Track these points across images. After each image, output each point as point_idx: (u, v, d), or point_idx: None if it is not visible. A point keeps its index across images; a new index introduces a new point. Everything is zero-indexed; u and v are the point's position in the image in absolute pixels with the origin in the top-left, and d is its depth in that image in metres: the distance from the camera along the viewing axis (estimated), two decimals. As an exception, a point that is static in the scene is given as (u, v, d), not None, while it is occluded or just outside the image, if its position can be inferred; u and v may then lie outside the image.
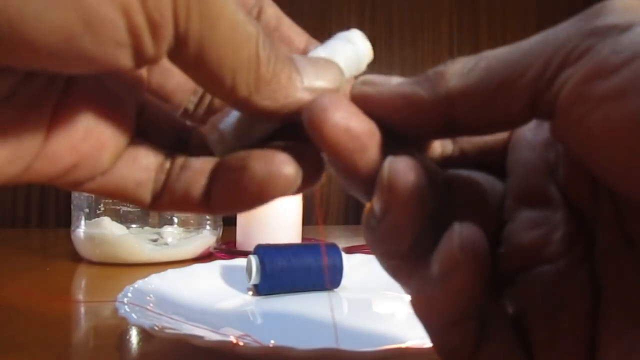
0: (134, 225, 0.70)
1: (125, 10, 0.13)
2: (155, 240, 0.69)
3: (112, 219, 0.68)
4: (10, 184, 0.17)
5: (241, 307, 0.45)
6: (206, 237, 0.74)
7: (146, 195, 0.19)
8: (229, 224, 0.77)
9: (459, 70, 0.17)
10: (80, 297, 0.53)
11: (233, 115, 0.20)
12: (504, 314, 0.19)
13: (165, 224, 0.72)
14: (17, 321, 0.42)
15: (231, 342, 0.29)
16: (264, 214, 0.70)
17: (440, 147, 0.22)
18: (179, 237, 0.71)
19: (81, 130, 0.17)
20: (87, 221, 0.68)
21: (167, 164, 0.19)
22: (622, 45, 0.14)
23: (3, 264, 0.70)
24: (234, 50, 0.16)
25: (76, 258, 0.69)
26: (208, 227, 0.75)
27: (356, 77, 0.21)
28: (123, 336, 0.38)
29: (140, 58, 0.15)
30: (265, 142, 0.19)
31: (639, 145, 0.13)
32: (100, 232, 0.67)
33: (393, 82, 0.19)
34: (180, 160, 0.19)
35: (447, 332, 0.18)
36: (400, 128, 0.19)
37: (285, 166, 0.18)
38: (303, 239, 0.76)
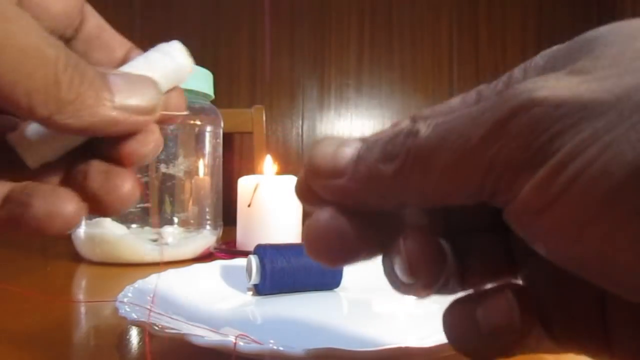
0: (134, 225, 0.70)
1: None
2: (155, 240, 0.69)
3: (113, 219, 0.68)
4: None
5: (241, 307, 0.45)
6: (206, 237, 0.74)
7: None
8: (229, 224, 0.78)
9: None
10: (81, 297, 0.53)
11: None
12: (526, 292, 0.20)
13: (166, 224, 0.72)
14: (17, 321, 0.42)
15: (231, 342, 0.29)
16: (264, 214, 0.70)
17: None
18: (179, 237, 0.71)
19: None
20: (87, 221, 0.68)
21: None
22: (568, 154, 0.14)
23: (3, 264, 0.70)
24: (27, 74, 0.16)
25: (76, 258, 0.69)
26: (208, 227, 0.75)
27: (178, 88, 0.22)
28: (123, 336, 0.38)
29: None
30: (81, 148, 0.20)
31: (613, 222, 0.13)
32: (101, 232, 0.67)
33: (341, 165, 0.18)
34: None
35: None
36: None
37: (66, 205, 0.18)
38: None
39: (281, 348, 0.28)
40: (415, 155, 0.16)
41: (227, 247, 0.74)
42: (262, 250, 0.49)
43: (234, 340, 0.29)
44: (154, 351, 0.35)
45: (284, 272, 0.48)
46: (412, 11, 1.70)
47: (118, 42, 0.23)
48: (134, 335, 0.38)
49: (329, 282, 0.51)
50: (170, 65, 0.21)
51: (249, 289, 0.49)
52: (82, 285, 0.60)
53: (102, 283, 0.60)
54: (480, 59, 1.74)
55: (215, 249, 0.74)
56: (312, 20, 1.69)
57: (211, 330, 0.34)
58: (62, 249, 0.77)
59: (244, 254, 0.54)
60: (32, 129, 0.19)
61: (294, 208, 0.73)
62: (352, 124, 1.71)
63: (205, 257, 0.71)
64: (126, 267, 0.64)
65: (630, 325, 0.17)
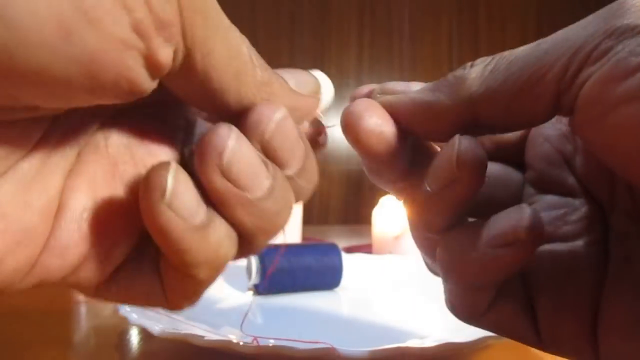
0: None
1: (123, 2, 0.13)
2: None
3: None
4: (13, 291, 0.16)
5: (241, 307, 0.45)
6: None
7: None
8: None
9: (479, 74, 0.18)
10: (81, 296, 0.53)
11: None
12: (514, 279, 0.20)
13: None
14: (17, 321, 0.42)
15: (231, 342, 0.29)
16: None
17: None
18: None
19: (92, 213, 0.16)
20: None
21: None
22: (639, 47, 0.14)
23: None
24: (237, 52, 0.16)
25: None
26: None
27: (322, 114, 0.22)
28: (123, 336, 0.38)
29: (153, 65, 0.14)
30: None
31: None
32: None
33: (414, 87, 0.19)
34: None
35: (466, 294, 0.19)
36: (423, 133, 0.19)
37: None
38: (303, 239, 0.76)
39: (281, 348, 0.28)
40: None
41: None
42: (262, 250, 0.49)
43: (234, 340, 0.29)
44: (154, 351, 0.35)
45: (284, 272, 0.48)
46: (412, 11, 1.70)
47: None
48: (134, 335, 0.38)
49: (329, 282, 0.51)
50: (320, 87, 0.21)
51: (249, 289, 0.49)
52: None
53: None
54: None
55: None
56: (312, 20, 1.69)
57: (211, 331, 0.34)
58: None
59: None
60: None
61: (294, 208, 0.73)
62: (352, 124, 1.71)
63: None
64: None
65: (622, 335, 0.17)
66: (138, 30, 0.13)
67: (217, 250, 0.16)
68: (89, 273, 0.17)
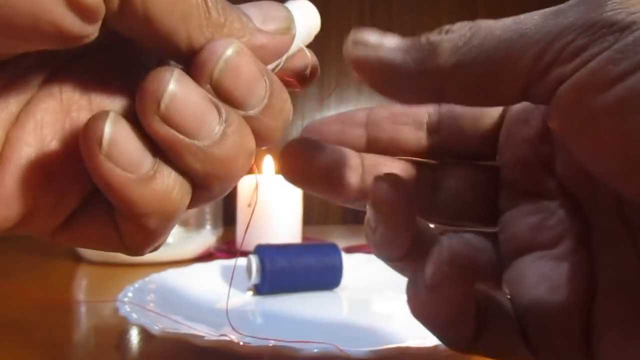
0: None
1: None
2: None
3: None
4: None
5: (241, 307, 0.45)
6: (206, 237, 0.74)
7: None
8: (229, 223, 0.78)
9: (452, 44, 0.17)
10: (81, 296, 0.53)
11: None
12: (505, 301, 0.20)
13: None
14: (17, 321, 0.42)
15: (231, 342, 0.29)
16: (264, 214, 0.70)
17: (415, 140, 0.23)
18: (179, 237, 0.71)
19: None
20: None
21: None
22: (620, 54, 0.14)
23: (3, 263, 0.70)
24: None
25: (76, 258, 0.69)
26: (208, 227, 0.75)
27: (307, 47, 0.20)
28: (123, 336, 0.38)
29: (80, 8, 0.13)
30: None
31: (633, 160, 0.14)
32: (101, 232, 0.66)
33: (385, 44, 0.18)
34: None
35: (444, 331, 0.19)
36: (389, 95, 0.18)
37: None
38: (303, 239, 0.76)
39: (281, 348, 0.28)
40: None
41: (227, 247, 0.75)
42: (262, 250, 0.49)
43: (234, 340, 0.29)
44: (154, 351, 0.35)
45: (284, 272, 0.48)
46: (412, 11, 1.70)
47: None
48: (134, 335, 0.38)
49: (329, 282, 0.51)
50: (303, 22, 0.19)
51: (249, 289, 0.49)
52: (82, 285, 0.60)
53: (103, 283, 0.60)
54: (480, 58, 1.73)
55: (215, 249, 0.74)
56: (312, 20, 1.69)
57: (211, 331, 0.34)
58: (62, 249, 0.76)
59: (244, 254, 0.54)
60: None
61: (294, 208, 0.73)
62: (352, 124, 1.71)
63: (205, 257, 0.71)
64: (126, 267, 0.64)
65: (617, 342, 0.17)
66: None
67: (166, 200, 0.16)
68: (40, 222, 0.16)
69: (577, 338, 0.18)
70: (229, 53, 0.16)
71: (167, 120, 0.15)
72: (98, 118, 0.15)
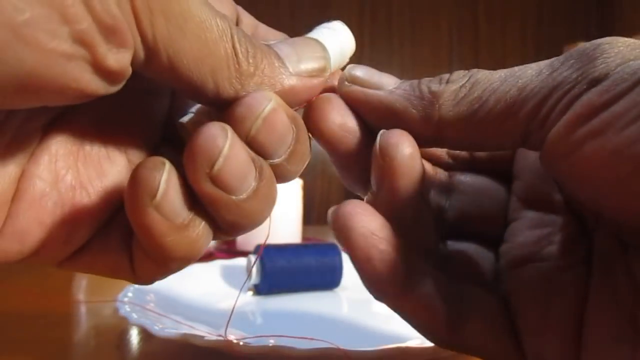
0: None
1: (62, 14, 0.12)
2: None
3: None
4: None
5: (241, 307, 0.45)
6: (206, 237, 0.74)
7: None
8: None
9: (453, 96, 0.17)
10: (81, 296, 0.53)
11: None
12: (491, 299, 0.20)
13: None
14: (17, 321, 0.42)
15: (231, 342, 0.29)
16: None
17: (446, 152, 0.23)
18: (179, 237, 0.71)
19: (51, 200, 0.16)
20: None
21: None
22: (604, 86, 0.15)
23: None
24: (209, 49, 0.15)
25: (76, 258, 0.69)
26: (208, 227, 0.75)
27: (342, 69, 0.20)
28: (123, 336, 0.38)
29: (104, 71, 0.13)
30: None
31: (619, 178, 0.14)
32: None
33: (385, 85, 0.19)
34: None
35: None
36: (385, 128, 0.19)
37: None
38: (303, 239, 0.76)
39: (281, 348, 0.28)
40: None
41: (227, 247, 0.74)
42: (262, 250, 0.49)
43: (234, 340, 0.29)
44: (154, 351, 0.35)
45: (284, 272, 0.48)
46: (412, 11, 1.70)
47: (272, 35, 0.21)
48: (134, 335, 0.38)
49: (329, 282, 0.51)
50: (338, 44, 0.20)
51: (249, 289, 0.49)
52: (82, 285, 0.60)
53: (102, 283, 0.60)
54: (480, 59, 1.73)
55: (215, 249, 0.74)
56: (312, 20, 1.69)
57: (211, 331, 0.34)
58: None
59: (244, 254, 0.54)
60: (202, 112, 0.18)
61: (294, 208, 0.73)
62: (352, 124, 1.71)
63: (205, 257, 0.71)
64: (126, 267, 0.64)
65: (606, 351, 0.17)
66: (81, 40, 0.13)
67: (194, 247, 0.16)
68: (50, 254, 0.17)
69: (569, 347, 0.18)
70: (266, 111, 0.16)
71: (215, 180, 0.15)
72: (154, 168, 0.15)
